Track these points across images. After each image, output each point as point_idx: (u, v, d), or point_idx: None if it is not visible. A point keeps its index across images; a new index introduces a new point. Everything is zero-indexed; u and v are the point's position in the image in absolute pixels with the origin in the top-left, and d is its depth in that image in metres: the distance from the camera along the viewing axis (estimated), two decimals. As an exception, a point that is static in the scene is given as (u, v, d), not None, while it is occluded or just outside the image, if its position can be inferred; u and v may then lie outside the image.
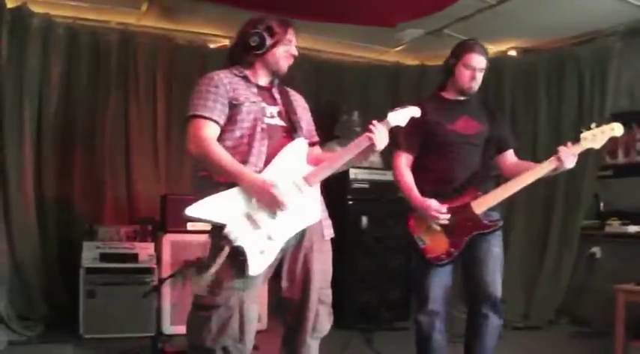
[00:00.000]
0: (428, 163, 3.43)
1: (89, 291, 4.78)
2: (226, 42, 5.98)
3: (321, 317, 2.82)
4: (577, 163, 3.25)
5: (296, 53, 2.92)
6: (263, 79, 2.91)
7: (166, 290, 4.81)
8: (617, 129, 3.24)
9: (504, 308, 3.45)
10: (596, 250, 5.62)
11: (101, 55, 5.64)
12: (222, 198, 2.58)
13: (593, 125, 3.25)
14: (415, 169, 3.45)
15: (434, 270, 3.38)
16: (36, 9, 5.27)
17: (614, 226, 5.43)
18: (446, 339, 3.50)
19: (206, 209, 2.55)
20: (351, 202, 5.69)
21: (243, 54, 2.87)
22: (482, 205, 3.29)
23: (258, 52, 2.83)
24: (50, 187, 5.38)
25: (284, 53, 2.87)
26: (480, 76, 3.40)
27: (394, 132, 2.87)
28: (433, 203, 3.26)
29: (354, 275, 5.58)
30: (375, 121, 2.76)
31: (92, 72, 5.60)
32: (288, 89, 3.05)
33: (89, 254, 4.87)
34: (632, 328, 4.58)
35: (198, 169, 2.78)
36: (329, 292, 2.88)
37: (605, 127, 3.24)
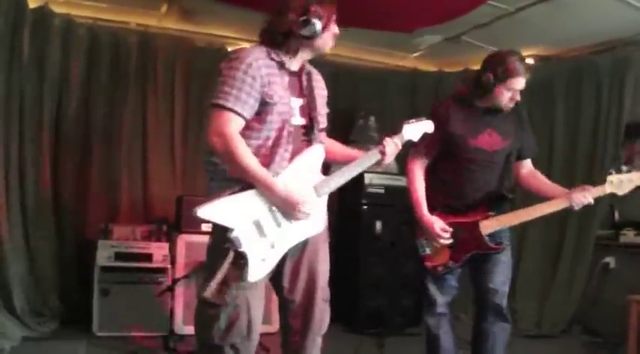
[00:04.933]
0: (443, 173, 3.40)
1: (103, 289, 4.82)
2: (245, 44, 6.01)
3: (325, 315, 2.86)
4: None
5: (338, 31, 2.79)
6: (296, 64, 2.80)
7: (180, 290, 4.85)
8: None
9: (515, 316, 3.43)
10: (610, 260, 5.58)
11: (121, 56, 5.69)
12: (234, 202, 2.57)
13: (624, 168, 3.19)
14: (429, 175, 3.41)
15: (437, 276, 3.40)
16: (57, 9, 5.33)
17: (628, 236, 5.39)
18: (454, 339, 3.53)
19: (217, 211, 2.53)
20: (365, 207, 5.67)
21: (288, 39, 2.71)
22: (490, 226, 3.27)
23: (309, 40, 2.70)
24: (67, 185, 5.44)
25: (332, 35, 2.76)
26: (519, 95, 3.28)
27: None
28: (438, 223, 3.26)
29: (366, 280, 5.52)
30: (387, 138, 2.80)
31: (112, 73, 5.66)
32: (313, 70, 2.94)
33: (104, 253, 4.91)
34: (644, 339, 4.56)
35: (210, 153, 2.70)
36: (328, 289, 2.89)
37: (634, 175, 3.15)
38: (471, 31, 5.61)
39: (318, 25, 2.65)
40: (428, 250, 3.37)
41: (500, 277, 3.36)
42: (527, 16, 5.07)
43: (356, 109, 6.45)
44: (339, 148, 3.08)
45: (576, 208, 3.17)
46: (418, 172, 3.39)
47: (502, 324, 3.38)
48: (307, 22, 2.64)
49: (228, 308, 2.60)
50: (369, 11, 5.18)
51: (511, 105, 3.27)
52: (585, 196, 3.14)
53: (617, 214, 5.59)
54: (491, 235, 3.28)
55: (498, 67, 3.19)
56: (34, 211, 5.16)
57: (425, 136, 3.05)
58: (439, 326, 3.46)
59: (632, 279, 5.15)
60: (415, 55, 6.60)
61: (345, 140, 5.85)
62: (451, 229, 3.27)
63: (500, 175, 3.39)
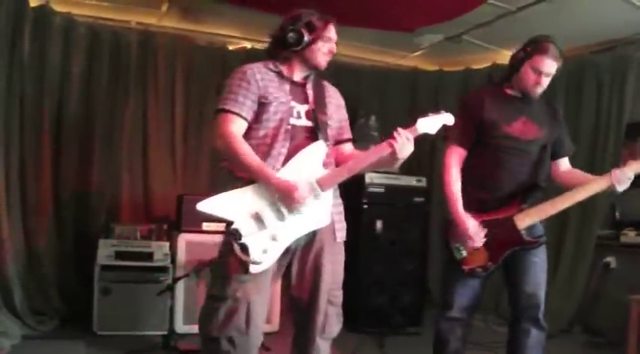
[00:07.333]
0: (476, 164, 3.25)
1: (104, 288, 4.80)
2: (245, 44, 6.04)
3: (330, 318, 2.84)
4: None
5: (335, 50, 2.89)
6: (299, 75, 2.91)
7: (180, 289, 4.84)
8: None
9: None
10: (611, 260, 5.56)
11: (121, 54, 5.68)
12: (234, 195, 2.66)
13: None
14: (463, 166, 3.26)
15: (463, 280, 3.26)
16: (58, 8, 5.33)
17: (629, 236, 5.37)
18: (464, 345, 3.41)
19: (217, 205, 2.64)
20: (366, 206, 5.65)
21: (281, 49, 2.86)
22: (525, 220, 3.12)
23: (295, 49, 2.81)
24: (68, 184, 5.43)
25: (323, 49, 2.85)
26: (546, 81, 3.20)
27: (447, 126, 2.79)
28: (471, 225, 3.12)
29: (367, 279, 5.56)
30: (400, 128, 2.71)
31: (112, 71, 5.65)
32: (326, 84, 3.03)
33: (105, 252, 4.90)
34: (645, 339, 4.55)
35: (220, 159, 2.85)
36: (339, 293, 2.90)
37: None
38: (471, 30, 5.60)
39: (304, 34, 2.80)
40: (464, 253, 3.21)
41: (536, 279, 3.18)
42: (528, 16, 5.06)
43: (357, 108, 6.45)
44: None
45: (618, 187, 3.02)
46: (455, 165, 3.24)
47: (536, 332, 3.20)
48: (292, 31, 2.80)
49: (227, 301, 2.65)
50: (370, 10, 5.17)
51: (537, 90, 3.20)
52: (625, 172, 3.02)
53: (618, 214, 5.59)
54: (528, 229, 3.15)
55: (530, 44, 3.22)
56: (35, 209, 5.16)
57: (456, 125, 2.87)
58: (451, 331, 3.32)
59: (632, 279, 5.14)
60: (416, 54, 6.60)
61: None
62: (484, 230, 3.14)
63: (534, 165, 3.23)
